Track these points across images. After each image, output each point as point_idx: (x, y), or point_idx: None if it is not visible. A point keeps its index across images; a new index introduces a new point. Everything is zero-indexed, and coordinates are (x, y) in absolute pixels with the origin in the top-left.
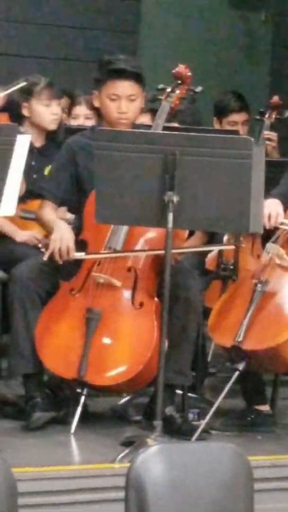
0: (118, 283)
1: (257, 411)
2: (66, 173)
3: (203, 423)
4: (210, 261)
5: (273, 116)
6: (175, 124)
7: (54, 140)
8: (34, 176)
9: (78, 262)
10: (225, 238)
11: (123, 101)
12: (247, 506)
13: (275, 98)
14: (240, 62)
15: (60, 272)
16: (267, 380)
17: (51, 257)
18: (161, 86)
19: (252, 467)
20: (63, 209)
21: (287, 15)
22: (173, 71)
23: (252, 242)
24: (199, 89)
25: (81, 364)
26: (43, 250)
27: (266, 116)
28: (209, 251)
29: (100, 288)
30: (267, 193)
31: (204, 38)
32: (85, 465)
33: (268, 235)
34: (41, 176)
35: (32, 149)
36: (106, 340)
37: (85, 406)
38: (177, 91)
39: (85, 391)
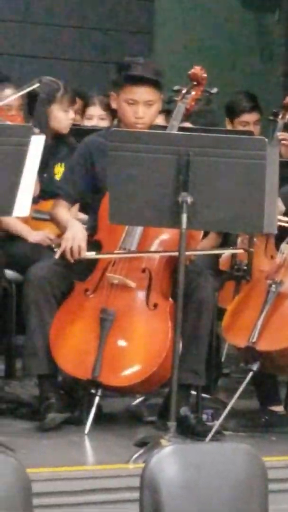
0: (132, 284)
1: (271, 411)
2: (81, 173)
3: (217, 424)
4: (223, 262)
5: (287, 116)
6: (188, 124)
7: (58, 137)
8: (45, 175)
9: (93, 263)
10: (239, 239)
11: (141, 106)
12: (261, 507)
13: None
14: (254, 63)
15: (75, 272)
16: (281, 380)
17: (63, 255)
18: (176, 87)
19: (266, 468)
20: (75, 209)
21: None
22: (189, 72)
23: (266, 242)
24: (214, 90)
25: (96, 364)
26: (56, 250)
27: (280, 116)
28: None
29: (114, 288)
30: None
31: (218, 39)
32: (99, 466)
33: (281, 235)
34: (51, 176)
35: None
36: (121, 341)
37: (99, 406)
38: (193, 93)
39: (99, 392)
